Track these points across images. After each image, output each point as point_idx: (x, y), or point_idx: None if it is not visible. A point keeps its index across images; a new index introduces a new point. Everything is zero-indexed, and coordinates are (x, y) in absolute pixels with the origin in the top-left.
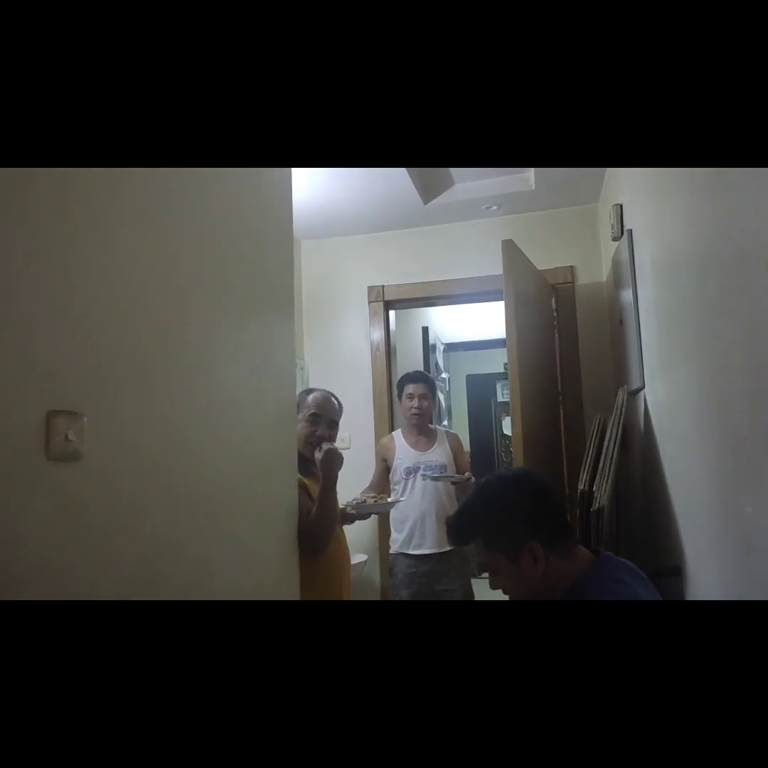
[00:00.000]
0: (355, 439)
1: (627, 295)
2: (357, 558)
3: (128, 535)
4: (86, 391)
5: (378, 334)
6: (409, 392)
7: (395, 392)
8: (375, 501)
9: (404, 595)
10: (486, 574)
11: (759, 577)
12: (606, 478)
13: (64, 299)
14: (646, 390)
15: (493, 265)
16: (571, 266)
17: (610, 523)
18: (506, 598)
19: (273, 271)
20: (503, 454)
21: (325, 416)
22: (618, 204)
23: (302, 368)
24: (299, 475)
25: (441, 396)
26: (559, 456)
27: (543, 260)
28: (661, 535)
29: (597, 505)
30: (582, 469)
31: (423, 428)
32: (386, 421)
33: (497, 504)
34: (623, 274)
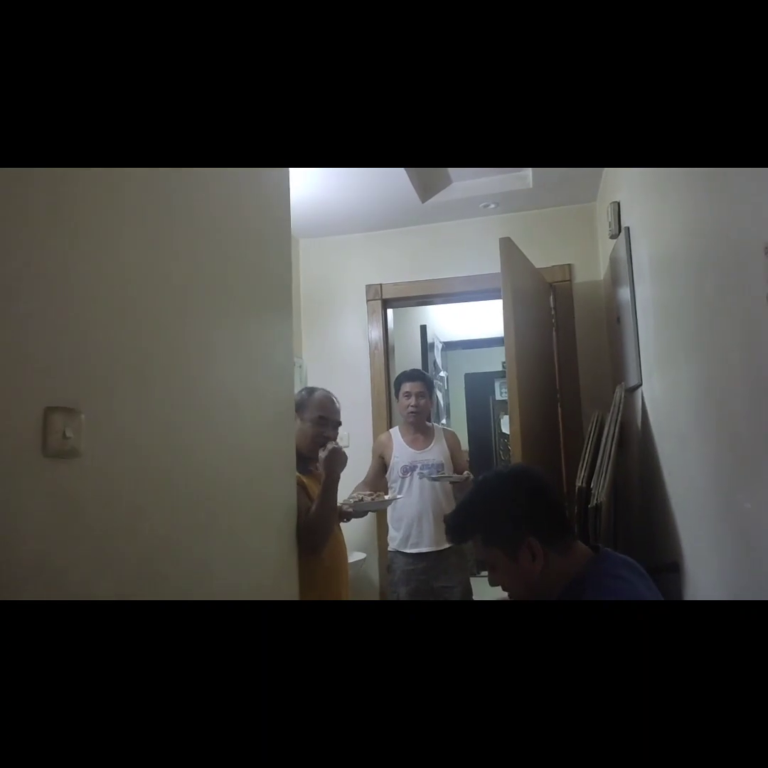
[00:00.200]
0: (354, 438)
1: (624, 292)
2: (355, 556)
3: (126, 533)
4: (84, 389)
5: (376, 333)
6: (406, 390)
7: (394, 391)
8: (372, 499)
9: (402, 592)
10: (485, 573)
11: (757, 574)
12: (604, 475)
13: (63, 297)
14: (643, 387)
15: (491, 264)
16: (569, 264)
17: (608, 520)
18: (506, 594)
19: (272, 271)
20: (501, 453)
21: (331, 419)
22: (616, 202)
23: (300, 367)
24: (298, 474)
25: (439, 394)
26: (557, 453)
27: (541, 258)
28: (659, 531)
29: (595, 501)
30: (580, 467)
31: (420, 426)
32: (384, 420)
33: (495, 501)
34: (621, 272)
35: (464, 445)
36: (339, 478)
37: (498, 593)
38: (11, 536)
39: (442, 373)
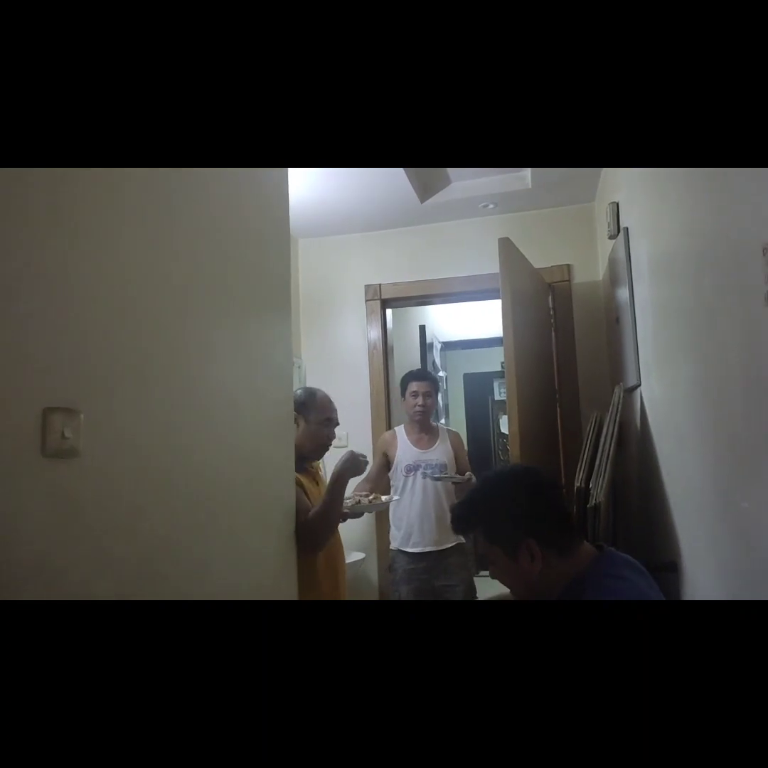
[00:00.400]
0: (353, 438)
1: (623, 293)
2: (354, 556)
3: (126, 533)
4: (83, 389)
5: (375, 333)
6: (413, 390)
7: (393, 391)
8: (370, 501)
9: (404, 591)
10: (485, 573)
11: (755, 573)
12: (602, 475)
13: (62, 297)
14: (642, 387)
15: (489, 264)
16: (568, 265)
17: (607, 520)
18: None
19: (271, 271)
20: (500, 453)
21: (334, 419)
22: (614, 202)
23: (299, 367)
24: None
25: (438, 395)
26: (556, 453)
27: (540, 259)
28: (657, 531)
29: (593, 501)
30: (578, 467)
31: (425, 426)
32: (383, 420)
33: (497, 499)
34: (619, 272)
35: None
36: (348, 480)
37: (500, 589)
38: (10, 536)
39: (441, 373)
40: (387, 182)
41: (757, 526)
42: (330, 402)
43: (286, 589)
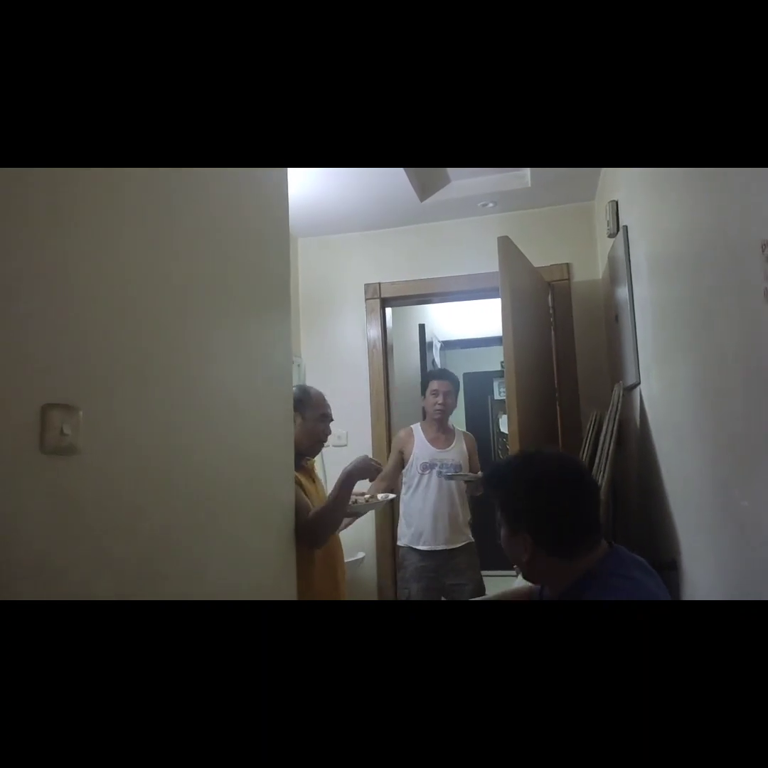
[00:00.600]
0: (352, 437)
1: (622, 291)
2: (354, 555)
3: (125, 530)
4: (82, 386)
5: (375, 332)
6: (434, 388)
7: (392, 390)
8: (366, 500)
9: (414, 588)
10: (492, 571)
11: (754, 571)
12: (602, 473)
13: (62, 295)
14: (641, 386)
15: (489, 263)
16: (567, 263)
17: (606, 518)
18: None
19: (271, 270)
20: (500, 452)
21: (329, 415)
22: (614, 201)
23: (299, 366)
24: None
25: None
26: None
27: (539, 257)
28: (656, 529)
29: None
30: None
31: (443, 425)
32: (383, 418)
33: (519, 479)
34: (619, 270)
35: None
36: (356, 482)
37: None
38: (9, 532)
39: None
40: (386, 181)
41: (756, 524)
42: (324, 398)
43: (286, 589)
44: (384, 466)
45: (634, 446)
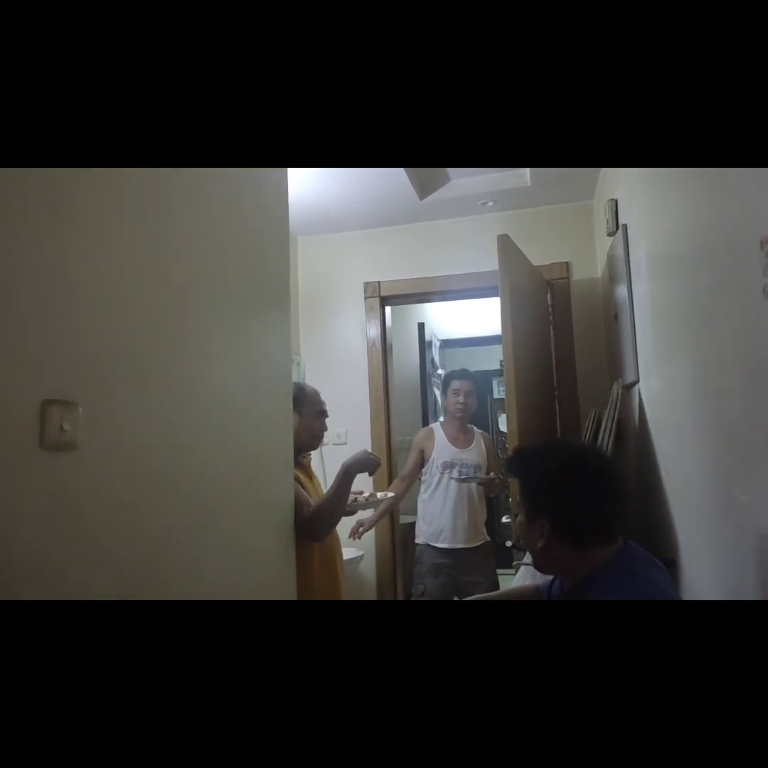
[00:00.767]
0: (352, 435)
1: (622, 290)
2: (352, 553)
3: (124, 527)
4: (82, 383)
5: (374, 331)
6: (455, 388)
7: (392, 388)
8: (366, 499)
9: (429, 585)
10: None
11: (753, 569)
12: None
13: (62, 293)
14: (640, 384)
15: (488, 262)
16: (567, 262)
17: None
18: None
19: (270, 270)
20: (499, 451)
21: (325, 412)
22: (613, 199)
23: (298, 364)
24: None
25: (437, 392)
26: None
27: (538, 256)
28: (655, 527)
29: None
30: None
31: (463, 425)
32: (382, 417)
33: (544, 471)
34: (618, 269)
35: None
36: (355, 475)
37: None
38: (8, 527)
39: (439, 371)
40: (386, 180)
41: (755, 522)
42: (319, 395)
43: (285, 587)
44: (381, 460)
45: (633, 444)
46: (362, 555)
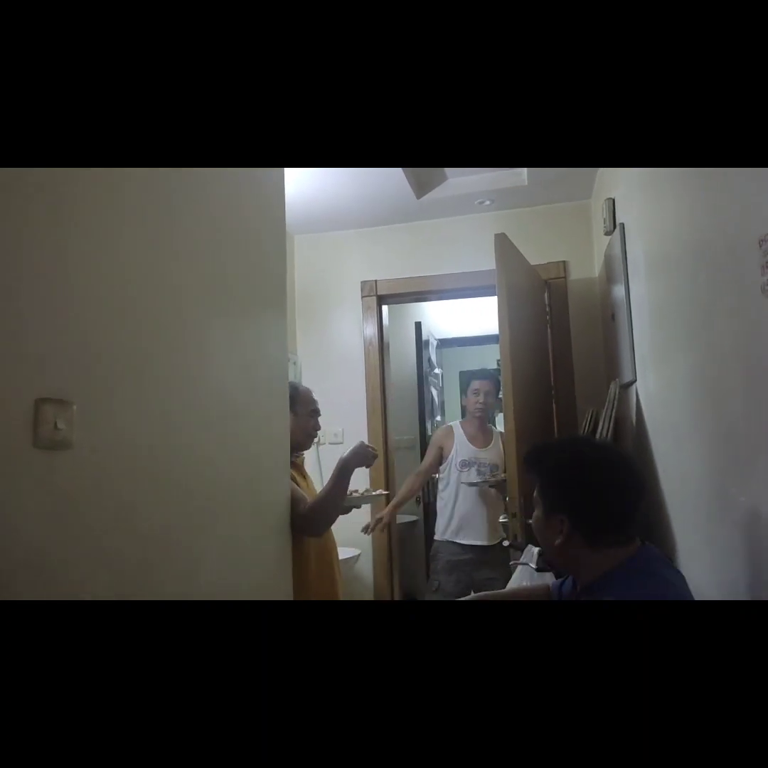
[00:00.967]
0: (348, 434)
1: (619, 289)
2: (349, 552)
3: (120, 527)
4: (77, 381)
5: (371, 330)
6: (476, 387)
7: (389, 387)
8: (361, 494)
9: (444, 580)
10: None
11: (750, 567)
12: None
13: (59, 291)
14: (637, 383)
15: (486, 261)
16: (564, 261)
17: None
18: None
19: (268, 270)
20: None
21: (318, 410)
22: (610, 198)
23: (295, 363)
24: None
25: (434, 392)
26: None
27: (536, 255)
28: (652, 527)
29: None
30: None
31: (483, 425)
32: (379, 416)
33: (565, 465)
34: (615, 268)
35: None
36: (353, 469)
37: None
38: (2, 527)
39: (436, 371)
40: (383, 179)
41: (752, 521)
42: (312, 393)
43: (282, 585)
44: (379, 453)
45: (631, 444)
46: (359, 554)
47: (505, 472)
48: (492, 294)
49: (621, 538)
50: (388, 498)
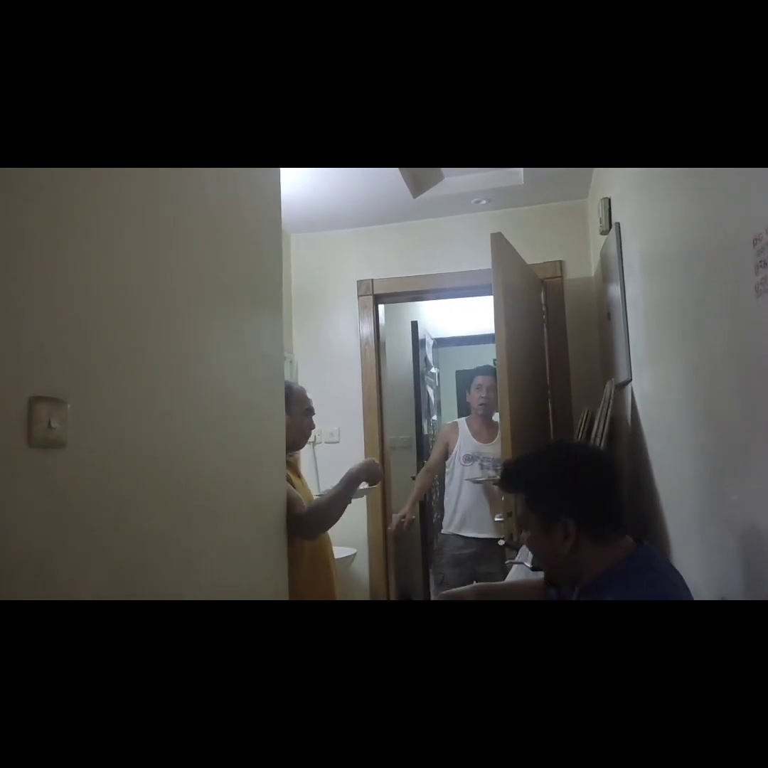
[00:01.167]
0: (344, 433)
1: (615, 289)
2: (345, 552)
3: (115, 526)
4: (72, 380)
5: (367, 329)
6: (478, 383)
7: (385, 386)
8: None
9: (448, 574)
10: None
11: (744, 566)
12: None
13: (59, 291)
14: (633, 383)
15: (482, 260)
16: (560, 261)
17: None
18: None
19: (264, 270)
20: None
21: (313, 409)
22: (606, 198)
23: (291, 362)
24: None
25: (431, 391)
26: None
27: (532, 255)
28: (647, 525)
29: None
30: None
31: (487, 420)
32: (375, 415)
33: (550, 469)
34: (611, 267)
35: None
36: (360, 482)
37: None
38: None
39: (433, 370)
40: (379, 178)
41: (746, 520)
42: (306, 393)
43: (278, 586)
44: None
45: (626, 443)
46: (355, 553)
47: None
48: (488, 293)
49: (619, 529)
50: (385, 491)
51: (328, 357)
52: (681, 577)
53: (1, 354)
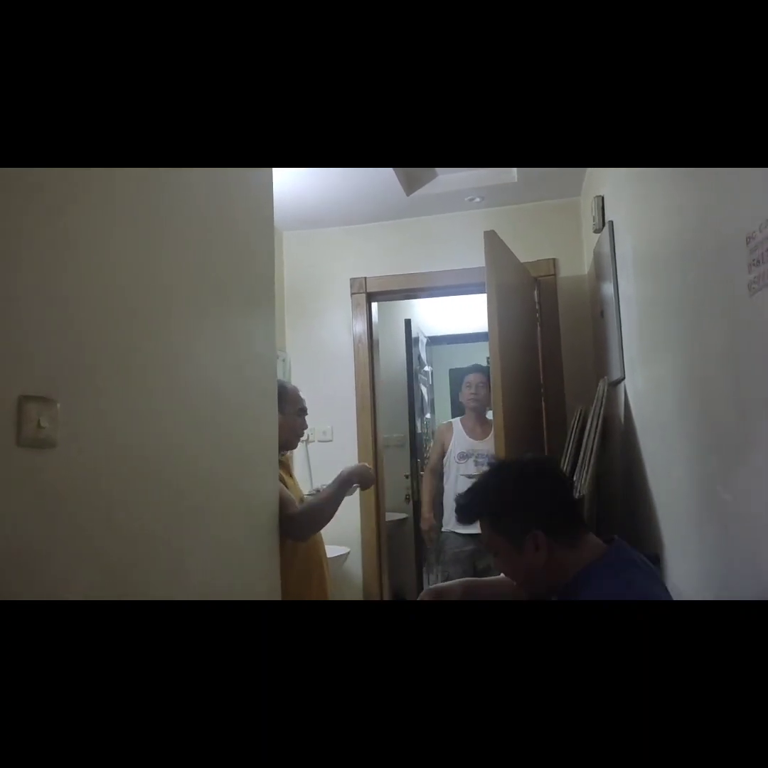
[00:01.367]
0: (337, 432)
1: (608, 287)
2: (337, 551)
3: (106, 525)
4: (61, 378)
5: (360, 327)
6: (469, 381)
7: (378, 384)
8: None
9: (451, 572)
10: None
11: (736, 565)
12: (586, 468)
13: (46, 288)
14: (626, 381)
15: (475, 258)
16: (554, 259)
17: (591, 513)
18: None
19: (256, 268)
20: None
21: (305, 409)
22: (599, 196)
23: (284, 360)
24: None
25: (424, 389)
26: (541, 447)
27: (525, 253)
28: (640, 523)
29: (577, 494)
30: (563, 460)
31: (480, 417)
32: (368, 413)
33: (505, 489)
34: (604, 265)
35: None
36: (352, 485)
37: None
38: None
39: (426, 368)
40: (373, 176)
41: (738, 518)
42: (299, 392)
43: (271, 586)
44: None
45: (619, 441)
46: (348, 552)
47: None
48: (481, 291)
49: (584, 527)
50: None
51: (321, 355)
52: (654, 568)
53: None
